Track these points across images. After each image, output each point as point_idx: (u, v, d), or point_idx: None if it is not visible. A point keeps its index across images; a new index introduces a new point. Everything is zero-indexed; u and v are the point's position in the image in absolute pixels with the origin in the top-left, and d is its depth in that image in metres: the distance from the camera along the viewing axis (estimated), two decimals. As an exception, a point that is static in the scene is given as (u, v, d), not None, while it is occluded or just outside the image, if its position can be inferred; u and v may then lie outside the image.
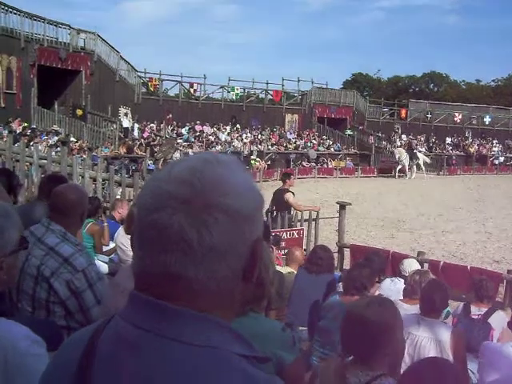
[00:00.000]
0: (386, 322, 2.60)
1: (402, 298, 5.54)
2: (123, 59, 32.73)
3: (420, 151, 37.73)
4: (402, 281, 6.45)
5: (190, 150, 29.16)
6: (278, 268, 6.55)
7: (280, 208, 11.17)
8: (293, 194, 11.29)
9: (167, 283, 0.96)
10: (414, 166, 34.84)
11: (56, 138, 23.59)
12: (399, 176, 34.11)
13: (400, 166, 34.20)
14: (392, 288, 6.46)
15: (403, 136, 43.71)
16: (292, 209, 11.60)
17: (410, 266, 6.78)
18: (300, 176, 31.87)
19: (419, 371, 2.30)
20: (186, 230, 0.93)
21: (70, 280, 3.14)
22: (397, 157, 34.29)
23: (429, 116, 46.47)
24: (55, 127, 26.36)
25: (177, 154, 27.63)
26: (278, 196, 11.32)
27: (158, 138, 30.41)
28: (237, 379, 0.92)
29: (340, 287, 5.40)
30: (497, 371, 3.52)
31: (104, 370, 0.97)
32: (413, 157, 34.77)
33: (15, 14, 26.45)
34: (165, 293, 0.96)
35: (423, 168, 35.15)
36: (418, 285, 5.14)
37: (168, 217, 0.93)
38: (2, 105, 25.15)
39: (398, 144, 41.65)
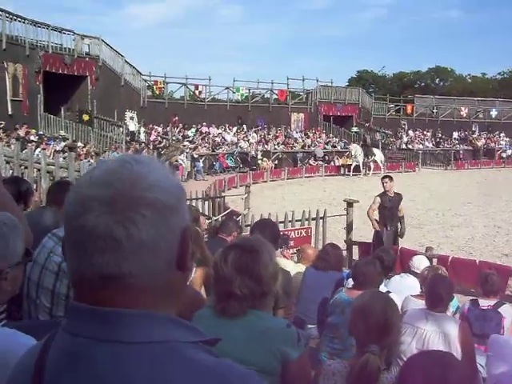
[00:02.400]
0: (387, 313, 2.68)
1: (412, 293, 5.56)
2: (128, 63, 32.81)
3: (377, 147, 35.53)
4: (411, 277, 6.47)
5: (194, 152, 29.21)
6: (291, 266, 6.59)
7: None
8: (379, 197, 11.06)
9: (105, 285, 0.97)
10: (371, 163, 33.38)
11: (63, 144, 23.67)
12: (354, 175, 32.33)
13: (355, 164, 32.53)
14: (402, 284, 6.48)
15: (410, 132, 43.67)
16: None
17: (420, 262, 6.79)
18: (307, 175, 31.93)
19: (419, 362, 2.33)
20: (113, 229, 0.95)
21: None
22: (352, 153, 32.75)
23: (435, 111, 46.36)
24: (62, 133, 26.46)
25: (182, 156, 27.67)
26: None
27: (165, 140, 30.48)
28: (185, 368, 0.94)
29: (349, 284, 5.42)
30: (505, 363, 3.53)
31: None
32: (368, 153, 33.24)
33: (19, 21, 26.53)
34: (104, 297, 0.97)
35: (381, 165, 33.43)
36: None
37: (94, 219, 0.95)
38: (10, 112, 25.22)
39: (405, 140, 41.62)
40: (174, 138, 31.30)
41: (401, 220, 11.36)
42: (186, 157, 28.35)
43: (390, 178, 11.34)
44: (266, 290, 2.39)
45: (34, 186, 10.85)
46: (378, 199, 10.98)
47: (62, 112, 28.13)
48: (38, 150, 19.06)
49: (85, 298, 0.99)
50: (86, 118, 28.43)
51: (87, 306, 0.98)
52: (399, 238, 11.33)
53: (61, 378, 0.97)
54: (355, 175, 32.19)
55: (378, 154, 34.11)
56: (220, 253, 2.49)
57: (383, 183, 11.13)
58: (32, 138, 23.24)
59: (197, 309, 2.56)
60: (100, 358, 0.94)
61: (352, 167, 32.66)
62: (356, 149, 32.77)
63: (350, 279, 5.36)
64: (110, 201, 0.96)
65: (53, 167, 11.59)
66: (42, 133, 25.42)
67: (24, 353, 1.18)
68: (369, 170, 33.23)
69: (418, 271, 6.30)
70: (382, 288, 5.44)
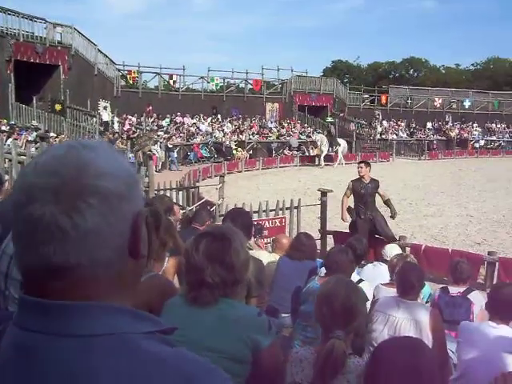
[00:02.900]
0: (351, 298, 2.72)
1: (384, 282, 5.60)
2: (101, 52, 32.51)
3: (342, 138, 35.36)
4: (384, 265, 6.51)
5: (169, 142, 29.08)
6: (266, 256, 6.59)
7: None
8: (352, 182, 10.76)
9: (54, 277, 0.94)
10: (340, 152, 33.39)
11: (35, 134, 23.38)
12: (326, 164, 32.14)
13: (323, 154, 32.40)
14: (374, 272, 6.53)
15: (384, 122, 43.93)
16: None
17: (392, 250, 6.84)
18: (282, 164, 31.97)
19: (389, 348, 2.35)
20: (58, 218, 0.91)
21: None
22: (318, 143, 32.74)
23: (409, 101, 46.74)
24: (34, 123, 26.11)
25: (156, 146, 27.50)
26: None
27: (139, 130, 30.28)
28: (139, 360, 0.92)
29: (321, 273, 5.44)
30: (474, 349, 3.58)
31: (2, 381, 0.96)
32: (333, 143, 33.32)
33: (-12, 9, 26.08)
34: (54, 289, 0.94)
35: (341, 155, 33.46)
36: (396, 268, 5.19)
37: (40, 208, 0.92)
38: (-20, 102, 24.88)
39: (380, 130, 41.86)
40: (148, 127, 31.11)
41: (388, 203, 11.06)
42: (160, 147, 28.22)
43: (366, 164, 10.96)
44: (237, 277, 2.38)
45: (6, 177, 10.72)
46: (351, 184, 10.72)
47: (34, 102, 27.74)
48: (10, 140, 18.81)
49: (34, 289, 0.96)
50: (58, 107, 28.11)
51: (36, 300, 0.94)
52: (392, 220, 11.08)
53: (10, 370, 0.94)
54: (328, 165, 32.16)
55: (343, 145, 34.17)
56: (191, 241, 2.47)
57: (358, 168, 10.81)
58: (3, 128, 22.96)
59: (168, 297, 2.55)
60: (49, 353, 0.91)
61: (322, 157, 32.51)
62: (322, 139, 32.74)
63: (323, 268, 5.38)
64: (55, 189, 0.92)
65: (24, 157, 11.47)
66: (13, 123, 25.09)
67: None
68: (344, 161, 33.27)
69: (390, 259, 6.35)
70: (355, 276, 5.48)
